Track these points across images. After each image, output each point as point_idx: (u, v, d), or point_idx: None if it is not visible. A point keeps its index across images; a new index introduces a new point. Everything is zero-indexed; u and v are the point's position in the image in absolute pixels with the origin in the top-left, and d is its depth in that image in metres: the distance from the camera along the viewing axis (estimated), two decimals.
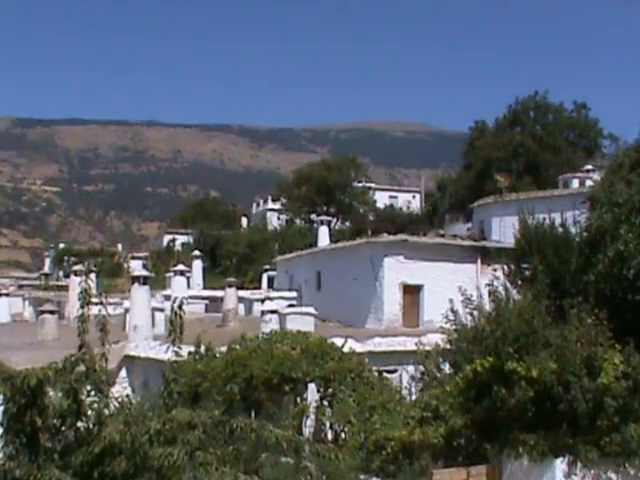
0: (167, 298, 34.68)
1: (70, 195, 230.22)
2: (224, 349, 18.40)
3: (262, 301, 34.91)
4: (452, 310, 16.71)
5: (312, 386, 17.26)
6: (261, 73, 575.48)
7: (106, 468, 8.19)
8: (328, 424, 16.45)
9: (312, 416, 16.45)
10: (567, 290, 17.13)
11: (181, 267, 42.80)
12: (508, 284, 17.78)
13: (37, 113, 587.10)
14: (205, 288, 47.94)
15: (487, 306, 16.43)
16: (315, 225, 58.45)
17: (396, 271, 33.54)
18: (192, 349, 16.89)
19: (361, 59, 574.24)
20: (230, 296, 35.70)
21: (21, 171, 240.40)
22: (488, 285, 17.48)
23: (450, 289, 19.77)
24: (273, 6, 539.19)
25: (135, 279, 26.75)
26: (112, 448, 8.18)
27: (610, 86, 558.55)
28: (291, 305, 34.50)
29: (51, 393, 8.43)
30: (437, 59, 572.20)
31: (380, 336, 25.15)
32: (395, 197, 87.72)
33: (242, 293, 41.21)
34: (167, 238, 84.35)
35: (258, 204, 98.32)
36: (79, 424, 8.52)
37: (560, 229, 18.85)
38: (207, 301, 43.82)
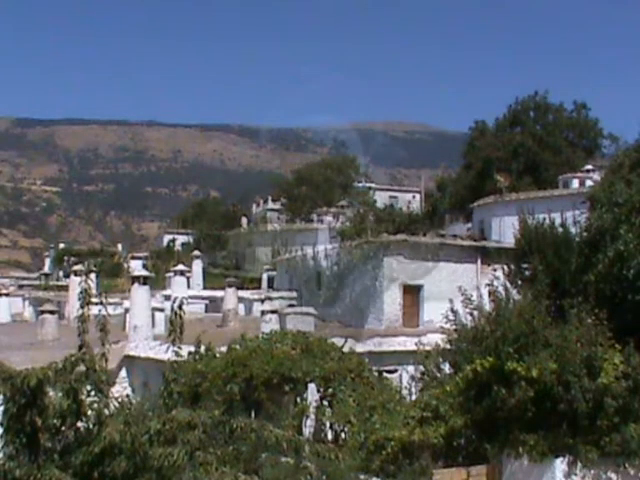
0: (167, 298, 34.67)
1: (70, 195, 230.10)
2: (224, 349, 18.40)
3: (262, 301, 34.91)
4: (452, 310, 16.71)
5: (312, 386, 17.25)
6: (261, 73, 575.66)
7: (106, 468, 8.19)
8: (328, 424, 16.44)
9: (312, 416, 16.44)
10: (567, 290, 17.14)
11: (181, 267, 42.79)
12: (508, 284, 17.79)
13: (37, 113, 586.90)
14: (205, 288, 47.94)
15: (487, 306, 16.42)
16: (315, 225, 58.51)
17: (396, 271, 33.55)
18: (192, 349, 16.87)
19: (361, 59, 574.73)
20: (230, 296, 35.71)
21: (21, 171, 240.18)
22: (488, 285, 17.46)
23: (450, 289, 19.79)
24: (273, 6, 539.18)
25: (135, 279, 26.79)
26: (112, 448, 8.18)
27: (610, 86, 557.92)
28: (291, 305, 34.50)
29: (51, 393, 8.43)
30: (437, 59, 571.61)
31: (380, 336, 25.18)
32: (395, 197, 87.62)
33: (242, 293, 41.22)
34: (167, 238, 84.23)
35: (258, 204, 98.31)
36: (79, 424, 8.53)
37: (560, 229, 18.87)
38: (207, 301, 43.82)
